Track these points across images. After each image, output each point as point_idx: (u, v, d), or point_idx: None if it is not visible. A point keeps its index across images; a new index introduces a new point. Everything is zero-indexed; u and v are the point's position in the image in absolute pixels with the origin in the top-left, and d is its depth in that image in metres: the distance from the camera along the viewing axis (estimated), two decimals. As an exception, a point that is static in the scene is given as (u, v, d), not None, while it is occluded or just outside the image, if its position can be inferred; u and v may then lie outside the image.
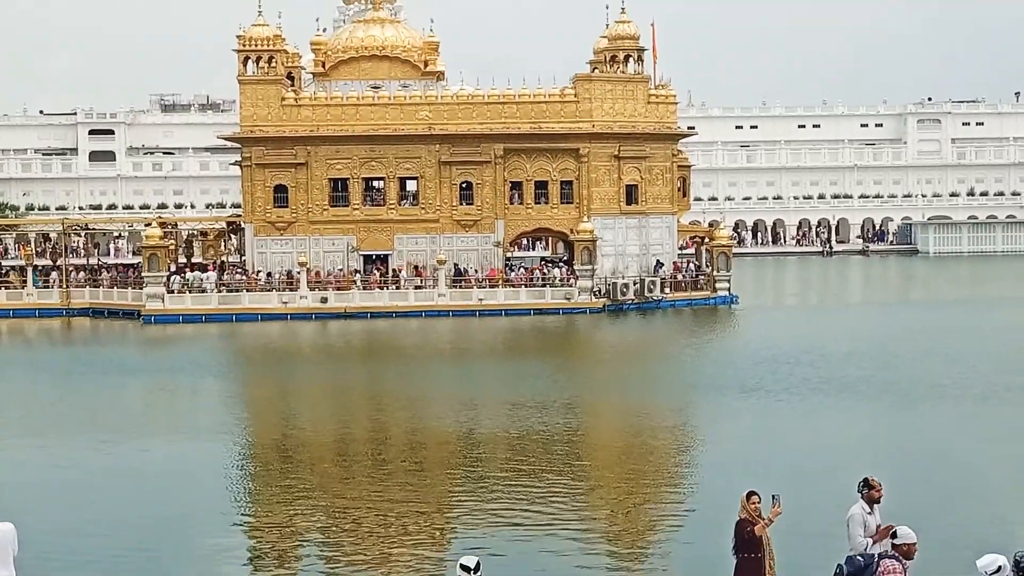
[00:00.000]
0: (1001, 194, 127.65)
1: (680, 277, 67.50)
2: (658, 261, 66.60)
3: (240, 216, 69.22)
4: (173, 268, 65.55)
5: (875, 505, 12.98)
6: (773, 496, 12.80)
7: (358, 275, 63.78)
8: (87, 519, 22.55)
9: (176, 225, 74.44)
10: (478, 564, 10.55)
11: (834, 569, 11.66)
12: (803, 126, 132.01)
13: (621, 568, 19.64)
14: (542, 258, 71.35)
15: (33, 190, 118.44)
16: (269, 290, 63.31)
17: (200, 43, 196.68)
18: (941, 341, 49.65)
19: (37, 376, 47.71)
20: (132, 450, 31.33)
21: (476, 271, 64.82)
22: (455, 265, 64.50)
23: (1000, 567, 10.45)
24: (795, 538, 15.44)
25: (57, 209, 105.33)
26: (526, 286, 64.27)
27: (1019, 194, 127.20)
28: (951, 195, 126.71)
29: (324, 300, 62.07)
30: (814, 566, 14.94)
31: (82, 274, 68.43)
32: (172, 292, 62.76)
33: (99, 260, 73.74)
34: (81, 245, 75.54)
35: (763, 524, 12.78)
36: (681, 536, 21.10)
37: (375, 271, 64.42)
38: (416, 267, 64.64)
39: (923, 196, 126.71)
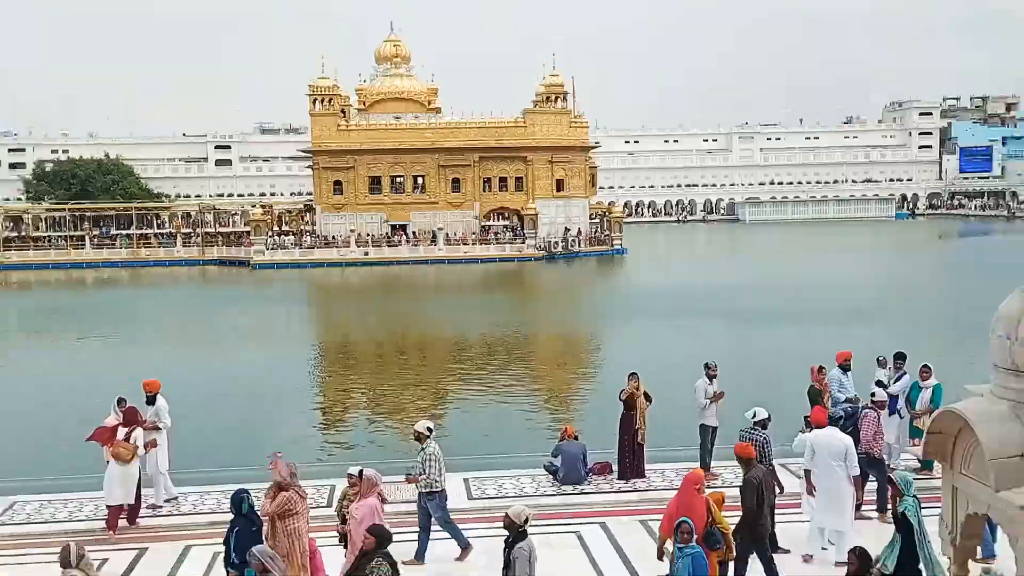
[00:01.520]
0: (790, 183, 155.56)
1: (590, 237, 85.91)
2: (578, 229, 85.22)
3: (312, 200, 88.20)
4: (269, 234, 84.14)
5: (714, 379, 16.05)
6: (633, 373, 16.01)
7: (385, 238, 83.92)
8: (215, 392, 27.58)
9: (271, 207, 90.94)
10: (430, 428, 12.95)
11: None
12: (667, 140, 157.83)
13: (554, 418, 23.44)
14: (503, 226, 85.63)
15: (179, 185, 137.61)
16: (330, 247, 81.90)
17: (285, 86, 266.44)
18: (756, 276, 61.01)
19: (191, 300, 63.22)
20: (243, 349, 38.93)
21: (460, 234, 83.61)
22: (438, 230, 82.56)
23: (755, 413, 13.25)
24: (664, 404, 17.27)
25: (195, 197, 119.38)
26: (493, 244, 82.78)
27: (801, 183, 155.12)
28: (759, 184, 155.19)
29: (366, 253, 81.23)
30: (676, 425, 17.50)
31: (212, 238, 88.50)
32: (269, 249, 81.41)
33: (219, 229, 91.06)
34: (211, 220, 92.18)
35: (631, 390, 15.87)
36: (592, 400, 25.59)
37: (398, 235, 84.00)
38: (424, 233, 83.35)
39: (741, 185, 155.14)
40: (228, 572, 10.43)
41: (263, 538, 10.45)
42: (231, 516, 10.74)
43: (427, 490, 12.65)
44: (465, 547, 12.85)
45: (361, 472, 11.67)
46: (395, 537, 9.86)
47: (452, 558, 12.73)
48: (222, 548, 11.07)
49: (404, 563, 11.66)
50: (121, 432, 14.06)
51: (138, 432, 14.19)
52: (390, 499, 13.48)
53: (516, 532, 9.77)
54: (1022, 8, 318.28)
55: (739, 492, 11.65)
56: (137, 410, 14.49)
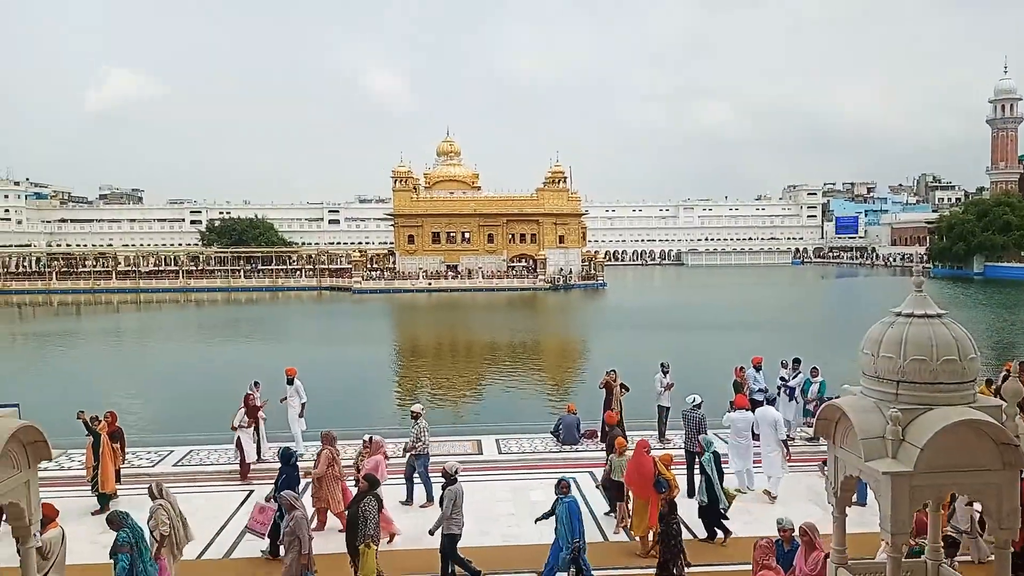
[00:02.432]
0: (719, 239, 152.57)
1: (582, 275, 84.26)
2: (571, 269, 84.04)
3: (393, 247, 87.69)
4: (365, 270, 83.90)
5: (667, 373, 16.15)
6: (611, 369, 15.97)
7: (443, 273, 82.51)
8: (328, 375, 26.87)
9: (366, 251, 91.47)
10: (421, 409, 12.40)
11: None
12: (634, 209, 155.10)
13: (558, 398, 23.68)
14: (523, 266, 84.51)
15: (304, 236, 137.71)
16: (405, 279, 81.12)
17: (377, 168, 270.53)
18: (696, 301, 61.84)
19: (313, 314, 63.42)
20: (347, 348, 38.78)
21: (495, 272, 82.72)
22: (478, 268, 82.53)
23: (694, 399, 13.01)
24: (633, 390, 16.28)
25: (314, 244, 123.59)
26: (515, 278, 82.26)
27: (726, 239, 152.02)
28: (697, 240, 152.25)
29: (429, 284, 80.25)
30: (642, 406, 16.60)
31: (325, 272, 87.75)
32: (365, 280, 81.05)
33: (330, 266, 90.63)
34: (325, 260, 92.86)
35: (608, 380, 15.60)
36: (580, 386, 25.83)
37: (452, 272, 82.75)
38: (469, 270, 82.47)
39: (685, 240, 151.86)
40: (269, 499, 10.33)
41: (299, 483, 10.59)
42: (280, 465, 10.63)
43: (417, 453, 12.26)
44: (430, 500, 12.14)
45: (371, 438, 11.57)
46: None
47: (426, 503, 12.24)
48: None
49: (421, 506, 12.13)
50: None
51: (240, 412, 13.93)
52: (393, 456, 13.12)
53: (449, 479, 9.73)
54: (868, 128, 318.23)
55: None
56: (250, 395, 14.40)
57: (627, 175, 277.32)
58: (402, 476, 12.62)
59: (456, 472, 9.84)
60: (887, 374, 4.94)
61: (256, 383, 14.90)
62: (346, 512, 9.65)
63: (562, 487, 9.23)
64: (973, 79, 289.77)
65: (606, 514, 11.93)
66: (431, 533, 9.74)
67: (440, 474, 10.05)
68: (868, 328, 5.35)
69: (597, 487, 11.91)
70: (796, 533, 7.11)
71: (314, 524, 10.93)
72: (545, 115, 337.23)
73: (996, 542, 4.89)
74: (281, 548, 9.25)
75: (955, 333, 4.94)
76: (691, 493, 12.41)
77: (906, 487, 4.65)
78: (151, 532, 8.77)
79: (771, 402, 14.24)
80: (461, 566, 9.57)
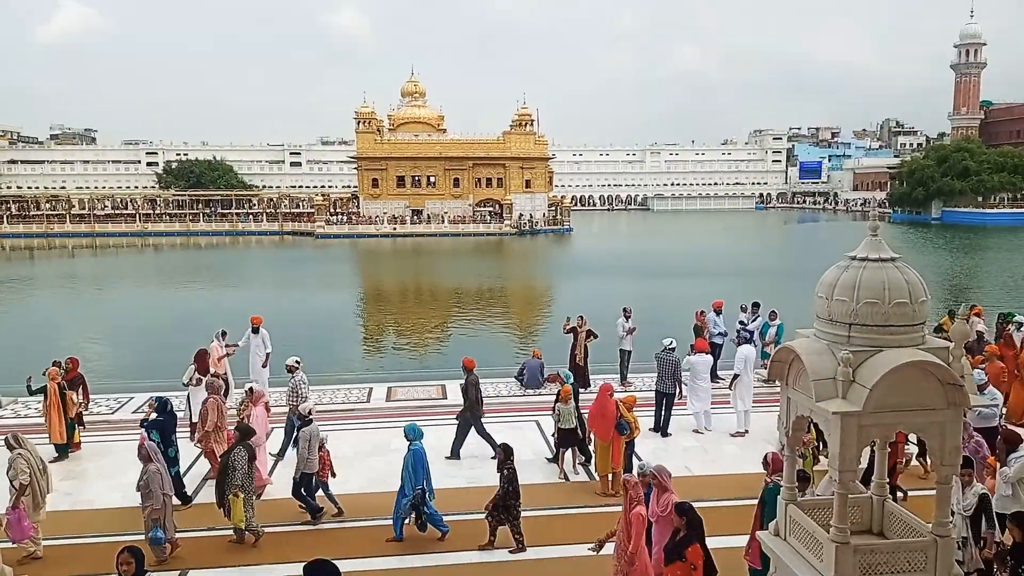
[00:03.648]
0: (685, 184, 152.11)
1: (548, 220, 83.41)
2: (541, 214, 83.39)
3: (357, 191, 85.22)
4: (328, 214, 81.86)
5: (629, 318, 16.22)
6: (569, 317, 16.04)
7: (408, 218, 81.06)
8: (288, 324, 24.47)
9: (329, 195, 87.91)
10: (297, 362, 12.06)
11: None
12: (601, 154, 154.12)
13: (521, 343, 24.27)
14: (489, 211, 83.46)
15: (264, 179, 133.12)
16: (370, 224, 79.58)
17: (339, 110, 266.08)
18: (661, 247, 61.43)
19: (275, 259, 61.52)
20: (308, 294, 38.22)
21: (460, 216, 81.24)
22: (444, 213, 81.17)
23: (671, 341, 13.18)
24: (601, 334, 16.23)
25: (275, 188, 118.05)
26: (481, 223, 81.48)
27: (692, 184, 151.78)
28: (663, 185, 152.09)
29: (394, 228, 78.97)
30: (607, 346, 16.55)
31: (287, 216, 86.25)
32: (328, 224, 79.63)
33: (292, 210, 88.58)
34: (287, 203, 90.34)
35: (575, 325, 15.68)
36: (546, 329, 26.19)
37: (416, 216, 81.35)
38: (434, 215, 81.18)
39: (651, 185, 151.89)
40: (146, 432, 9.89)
41: (174, 432, 10.49)
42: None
43: (296, 404, 11.66)
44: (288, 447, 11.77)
45: (251, 389, 11.34)
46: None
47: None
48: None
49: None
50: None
51: (190, 369, 13.32)
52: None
53: (303, 420, 9.81)
54: (838, 73, 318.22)
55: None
56: (205, 351, 13.69)
57: (596, 118, 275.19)
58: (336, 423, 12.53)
59: (310, 413, 9.93)
60: (840, 317, 5.01)
61: (223, 332, 14.64)
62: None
63: (407, 439, 9.22)
64: (942, 25, 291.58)
65: (547, 459, 11.93)
66: (296, 477, 9.74)
67: (295, 416, 10.10)
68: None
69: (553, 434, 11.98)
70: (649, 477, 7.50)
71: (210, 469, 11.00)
72: (514, 56, 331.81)
73: (938, 478, 5.07)
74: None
75: (907, 277, 5.01)
76: (662, 432, 12.87)
77: (855, 426, 4.76)
78: (10, 481, 8.69)
79: (719, 348, 14.54)
80: (304, 503, 9.71)
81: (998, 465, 8.32)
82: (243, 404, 11.22)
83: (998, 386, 11.79)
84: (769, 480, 7.40)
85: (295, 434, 10.19)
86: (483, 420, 12.33)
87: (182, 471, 10.96)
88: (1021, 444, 8.26)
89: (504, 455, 8.99)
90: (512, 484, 8.85)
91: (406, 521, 9.20)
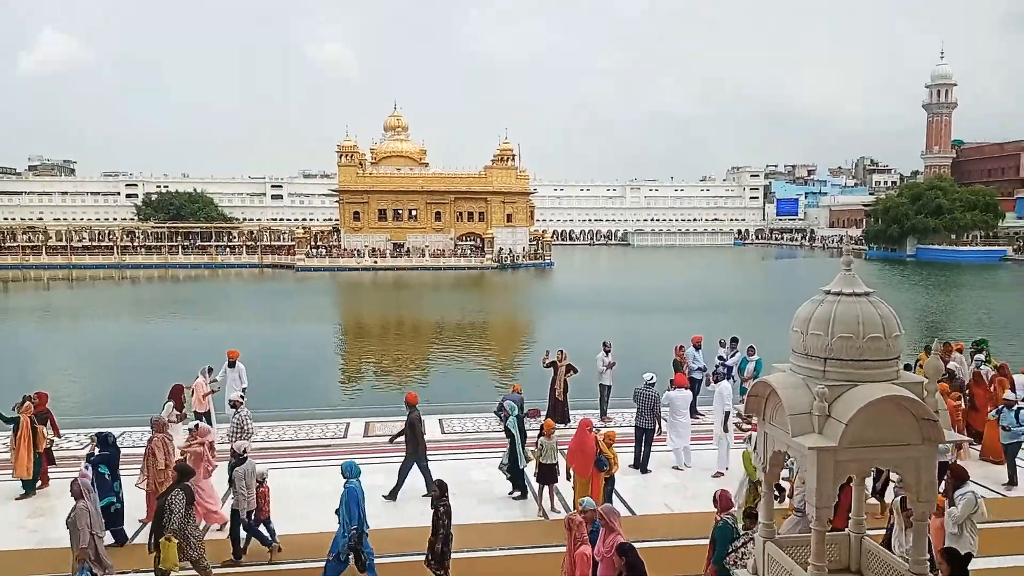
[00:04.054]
0: (664, 220, 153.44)
1: (529, 254, 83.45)
2: (521, 248, 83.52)
3: (338, 224, 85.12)
4: (308, 247, 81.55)
5: (609, 352, 16.35)
6: (548, 351, 15.95)
7: (389, 251, 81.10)
8: (270, 355, 26.05)
9: (310, 228, 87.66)
10: (242, 397, 12.19)
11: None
12: (582, 189, 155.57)
13: (502, 378, 23.85)
14: (470, 245, 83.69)
15: (245, 212, 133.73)
16: (351, 257, 79.72)
17: (321, 143, 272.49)
18: (641, 282, 62.07)
19: (254, 292, 61.30)
20: (288, 325, 38.79)
21: (442, 250, 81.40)
22: (425, 247, 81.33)
23: (651, 376, 13.06)
24: (581, 368, 16.17)
25: (256, 220, 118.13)
26: (463, 257, 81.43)
27: (671, 220, 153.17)
28: (643, 220, 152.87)
29: (375, 262, 78.91)
30: (586, 380, 16.59)
31: (267, 249, 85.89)
32: (308, 257, 79.52)
33: (272, 242, 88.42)
34: (267, 236, 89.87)
35: (554, 359, 15.74)
36: (528, 365, 25.18)
37: (398, 250, 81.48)
38: (415, 249, 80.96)
39: (631, 220, 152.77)
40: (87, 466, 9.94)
41: (117, 467, 10.31)
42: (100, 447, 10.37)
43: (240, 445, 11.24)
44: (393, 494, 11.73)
45: (196, 426, 11.12)
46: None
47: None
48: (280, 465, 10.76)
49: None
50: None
51: (167, 406, 13.03)
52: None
53: (238, 459, 9.67)
54: (814, 112, 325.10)
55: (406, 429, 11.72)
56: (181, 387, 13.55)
57: (578, 153, 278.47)
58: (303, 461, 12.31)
59: (245, 451, 9.79)
60: (815, 351, 5.06)
61: (209, 368, 14.44)
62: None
63: (345, 476, 9.08)
64: (916, 66, 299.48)
65: (509, 494, 11.83)
66: (239, 512, 9.59)
67: (231, 455, 9.90)
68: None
69: (500, 467, 11.88)
70: (596, 517, 7.44)
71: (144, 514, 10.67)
72: (497, 91, 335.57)
73: (915, 515, 5.07)
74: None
75: (881, 311, 5.07)
76: (641, 468, 12.75)
77: (831, 462, 4.77)
78: None
79: (698, 384, 14.44)
80: (234, 543, 9.55)
81: (946, 503, 8.23)
82: (187, 440, 10.86)
83: (954, 424, 11.80)
84: (719, 518, 7.38)
85: (230, 474, 9.90)
86: (456, 455, 12.16)
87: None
88: (968, 480, 8.21)
89: (439, 491, 8.69)
90: (446, 520, 8.53)
91: (345, 560, 8.82)
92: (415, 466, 11.71)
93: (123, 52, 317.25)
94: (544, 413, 15.59)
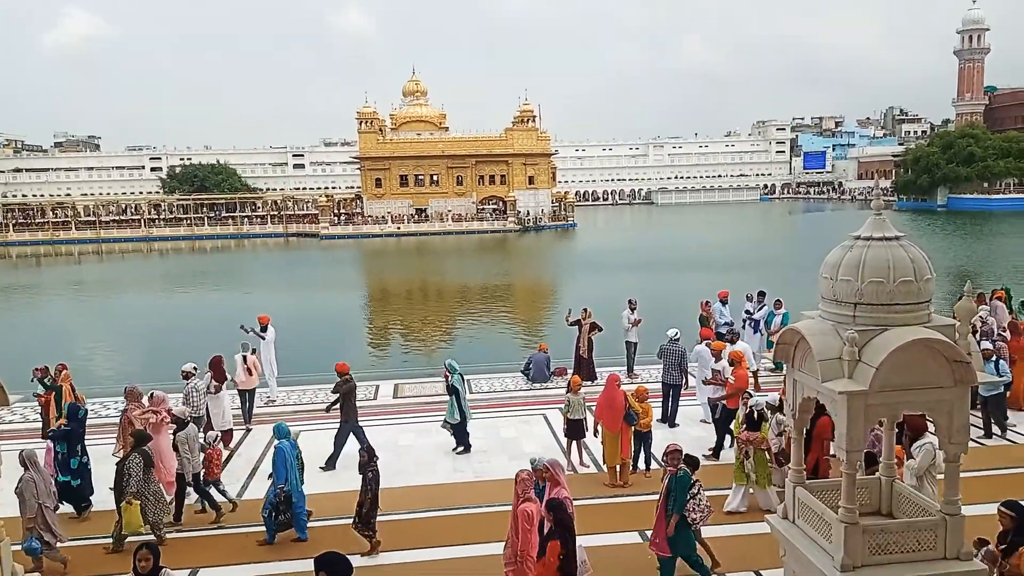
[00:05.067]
0: (688, 177, 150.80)
1: (552, 216, 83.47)
2: (543, 209, 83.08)
3: (360, 191, 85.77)
4: (331, 215, 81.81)
5: (634, 310, 16.12)
6: (571, 309, 16.36)
7: (411, 217, 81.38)
8: (299, 322, 26.55)
9: (332, 196, 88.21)
10: (195, 368, 11.89)
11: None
12: (604, 148, 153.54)
13: (527, 337, 24.47)
14: (492, 208, 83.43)
15: (268, 182, 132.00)
16: (373, 224, 79.62)
17: (341, 110, 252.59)
18: (666, 240, 61.61)
19: (280, 260, 62.39)
20: (317, 295, 38.28)
21: (464, 215, 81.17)
22: (447, 211, 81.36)
23: (676, 332, 13.25)
24: (607, 327, 16.45)
25: (279, 190, 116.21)
26: (485, 220, 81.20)
27: (696, 177, 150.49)
28: (667, 178, 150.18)
29: (398, 228, 79.33)
30: (613, 338, 16.77)
31: (291, 218, 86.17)
32: (332, 225, 79.72)
33: (296, 212, 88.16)
34: (290, 205, 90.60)
35: (579, 317, 15.92)
36: (552, 323, 25.74)
37: (420, 216, 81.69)
38: (438, 213, 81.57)
39: (655, 179, 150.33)
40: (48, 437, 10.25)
41: (81, 440, 10.33)
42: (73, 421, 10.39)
43: (196, 416, 11.49)
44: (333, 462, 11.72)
45: (152, 394, 11.10)
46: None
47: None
48: (297, 427, 10.95)
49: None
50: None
51: (207, 377, 12.87)
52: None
53: (180, 424, 9.86)
54: (842, 62, 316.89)
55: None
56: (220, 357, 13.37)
57: (600, 113, 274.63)
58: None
59: (187, 417, 10.00)
60: (845, 296, 4.99)
61: (253, 349, 14.34)
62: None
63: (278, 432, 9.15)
64: (947, 11, 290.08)
65: (453, 450, 11.98)
66: (192, 476, 9.77)
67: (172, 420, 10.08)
68: (828, 256, 5.37)
69: (443, 425, 12.07)
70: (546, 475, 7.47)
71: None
72: (517, 52, 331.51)
73: (947, 456, 5.04)
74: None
75: (912, 255, 4.98)
76: (669, 423, 12.80)
77: (861, 406, 4.73)
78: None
79: (725, 336, 14.24)
80: (178, 503, 9.77)
81: (905, 456, 8.14)
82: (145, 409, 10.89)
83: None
84: (674, 470, 7.54)
85: (200, 439, 10.06)
86: (485, 415, 12.30)
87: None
88: (926, 432, 8.07)
89: (368, 456, 8.74)
90: (374, 486, 8.64)
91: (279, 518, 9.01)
92: (351, 434, 11.70)
93: (145, 27, 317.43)
94: (570, 371, 15.66)
